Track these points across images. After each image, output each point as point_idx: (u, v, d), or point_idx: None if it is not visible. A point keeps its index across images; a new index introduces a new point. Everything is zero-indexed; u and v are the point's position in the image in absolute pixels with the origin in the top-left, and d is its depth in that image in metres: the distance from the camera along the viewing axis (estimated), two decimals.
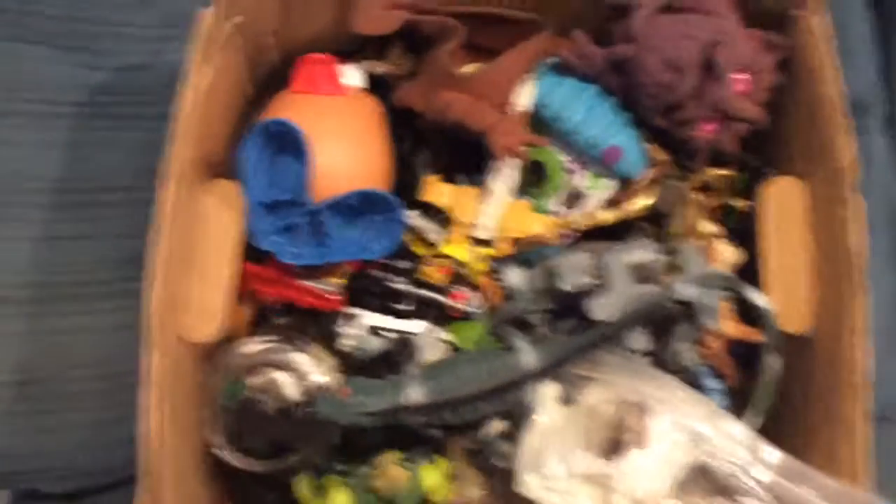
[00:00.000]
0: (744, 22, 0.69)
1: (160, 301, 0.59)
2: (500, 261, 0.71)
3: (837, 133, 0.63)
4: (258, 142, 0.64)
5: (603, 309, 0.62)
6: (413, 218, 0.74)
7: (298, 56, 0.77)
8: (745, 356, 0.71)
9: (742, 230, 0.74)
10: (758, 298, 0.60)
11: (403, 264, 0.71)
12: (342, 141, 0.70)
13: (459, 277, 0.72)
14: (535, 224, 0.72)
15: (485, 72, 0.70)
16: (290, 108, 0.71)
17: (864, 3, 1.01)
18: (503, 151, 0.67)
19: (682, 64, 0.66)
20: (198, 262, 0.65)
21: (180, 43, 0.87)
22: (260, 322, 0.74)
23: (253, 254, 0.69)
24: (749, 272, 0.70)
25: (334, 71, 0.71)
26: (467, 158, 0.78)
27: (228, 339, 0.69)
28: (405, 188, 0.77)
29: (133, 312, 0.81)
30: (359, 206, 0.67)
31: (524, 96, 0.71)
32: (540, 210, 0.74)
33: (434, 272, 0.70)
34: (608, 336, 0.61)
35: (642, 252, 0.66)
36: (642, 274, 0.65)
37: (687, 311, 0.64)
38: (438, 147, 0.78)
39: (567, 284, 0.65)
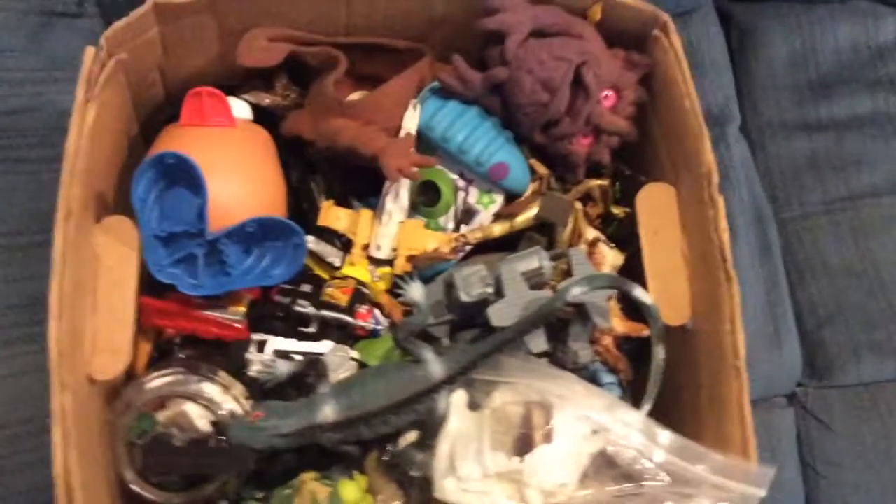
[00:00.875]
0: (606, 43, 0.75)
1: (63, 341, 0.58)
2: (401, 277, 0.73)
3: (698, 141, 0.69)
4: (150, 175, 0.65)
5: (501, 315, 0.66)
6: (312, 243, 0.76)
7: (183, 91, 0.78)
8: (633, 350, 0.76)
9: (622, 234, 0.79)
10: (642, 295, 0.65)
11: (306, 288, 0.73)
12: (234, 171, 0.71)
13: (362, 296, 0.74)
14: (430, 240, 0.75)
15: (371, 98, 0.73)
16: (180, 141, 0.71)
17: (717, 23, 1.10)
18: (395, 173, 0.70)
19: (555, 84, 0.71)
20: (99, 300, 0.65)
21: (67, 84, 0.87)
22: (160, 355, 0.74)
23: (151, 288, 0.69)
24: (631, 272, 0.76)
25: (223, 103, 0.72)
26: (358, 183, 0.81)
27: (131, 375, 0.68)
28: (300, 215, 0.79)
29: (32, 357, 0.79)
30: (257, 233, 0.68)
31: (410, 120, 0.75)
32: (433, 227, 0.78)
33: (337, 293, 0.72)
34: (508, 340, 0.64)
35: (533, 260, 0.69)
36: (535, 280, 0.69)
37: (579, 312, 0.68)
38: (329, 174, 0.80)
39: (466, 295, 0.68)
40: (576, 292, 0.64)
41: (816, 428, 1.00)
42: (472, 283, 0.69)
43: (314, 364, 0.67)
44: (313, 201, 0.79)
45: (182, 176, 0.66)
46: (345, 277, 0.75)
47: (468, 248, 0.75)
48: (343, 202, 0.80)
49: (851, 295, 1.01)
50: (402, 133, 0.74)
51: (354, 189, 0.81)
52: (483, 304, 0.69)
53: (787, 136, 1.09)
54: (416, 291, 0.67)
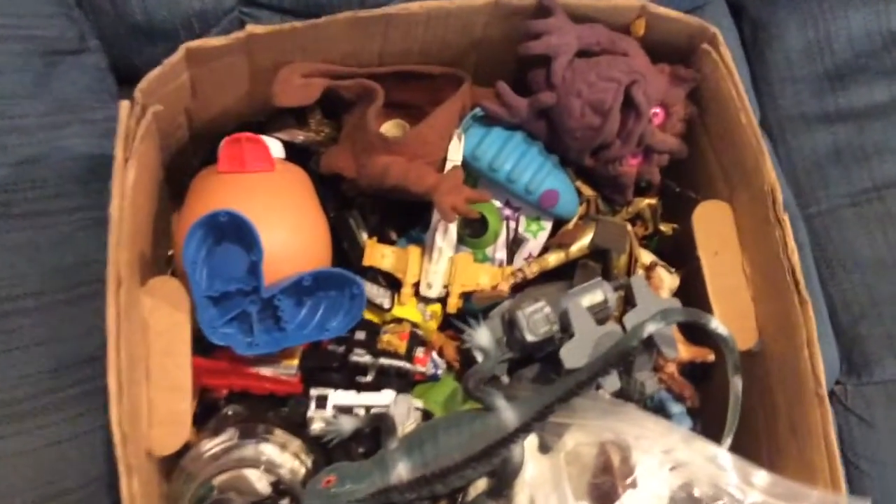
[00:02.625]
0: (650, 58, 0.73)
1: (125, 423, 0.55)
2: (460, 318, 0.70)
3: (757, 157, 0.67)
4: (200, 234, 0.61)
5: (573, 356, 0.64)
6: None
7: (209, 130, 0.74)
8: (692, 373, 0.74)
9: (664, 249, 0.78)
10: (719, 327, 0.63)
11: (360, 335, 0.70)
12: (278, 217, 0.67)
13: (418, 339, 0.71)
14: (483, 275, 0.72)
15: (416, 132, 0.70)
16: (221, 190, 0.68)
17: (728, 17, 1.08)
18: (450, 212, 0.67)
19: (605, 106, 0.68)
20: (153, 369, 0.61)
21: (78, 126, 0.83)
22: (205, 411, 0.71)
23: (197, 344, 0.66)
24: (686, 293, 0.74)
25: (262, 147, 0.68)
26: (397, 215, 0.78)
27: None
28: (341, 254, 0.76)
29: (69, 425, 0.75)
30: (311, 285, 0.65)
31: (456, 151, 0.72)
32: (482, 259, 0.75)
33: (395, 340, 0.69)
34: (584, 383, 0.62)
35: (597, 293, 0.67)
36: (601, 314, 0.67)
37: (645, 341, 0.66)
38: (368, 208, 0.77)
39: (531, 335, 0.66)
40: (651, 329, 0.62)
41: (858, 425, 0.99)
42: (536, 322, 0.66)
43: (380, 419, 0.64)
44: (354, 238, 0.76)
45: (231, 231, 0.62)
46: (398, 320, 0.72)
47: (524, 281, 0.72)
48: (383, 237, 0.77)
49: (884, 288, 1.00)
50: (449, 165, 0.71)
51: (394, 222, 0.78)
52: (547, 341, 0.67)
53: (808, 129, 1.07)
54: (482, 337, 0.65)
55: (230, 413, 0.70)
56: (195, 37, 0.89)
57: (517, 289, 0.73)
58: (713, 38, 0.70)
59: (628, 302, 0.70)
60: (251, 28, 0.64)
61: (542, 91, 0.70)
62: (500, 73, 0.74)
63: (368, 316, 0.73)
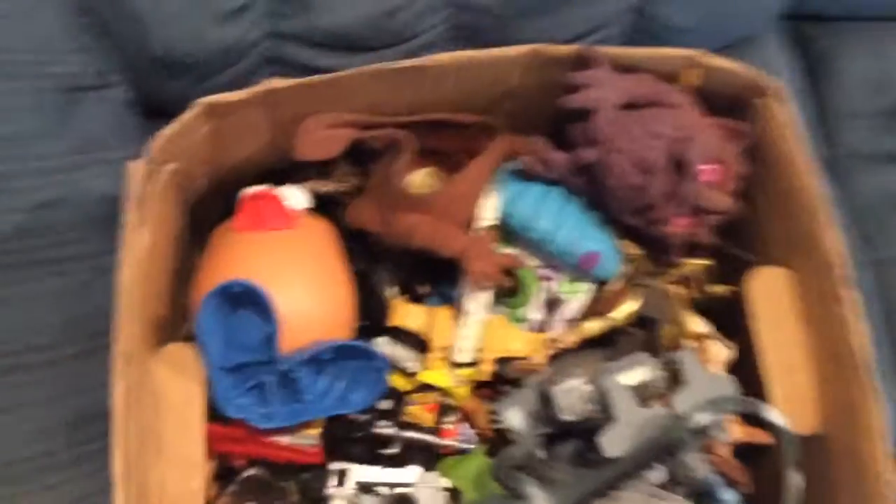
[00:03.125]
0: (702, 111, 0.67)
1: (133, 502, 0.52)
2: (490, 384, 0.66)
3: (821, 226, 0.61)
4: (213, 304, 0.58)
5: (614, 444, 0.59)
6: (383, 346, 0.69)
7: (229, 179, 0.71)
8: (747, 453, 0.69)
9: (720, 317, 0.72)
10: (777, 418, 0.58)
11: (385, 404, 0.65)
12: (299, 278, 0.64)
13: (447, 410, 0.67)
14: (517, 341, 0.68)
15: (446, 190, 0.66)
16: (238, 250, 0.64)
17: (783, 49, 1.02)
18: (481, 278, 0.62)
19: (651, 165, 0.63)
20: (165, 444, 0.58)
21: (100, 166, 0.80)
22: (222, 472, 0.67)
23: (214, 411, 0.62)
24: (738, 366, 0.68)
25: (280, 204, 0.64)
26: (427, 270, 0.74)
27: None
28: (366, 311, 0.71)
29: (85, 482, 0.73)
30: (332, 357, 0.61)
31: (489, 209, 0.67)
32: (517, 320, 0.70)
33: (420, 412, 0.65)
34: (625, 475, 0.57)
35: (641, 370, 0.62)
36: (643, 393, 0.62)
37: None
38: (396, 262, 0.73)
39: (568, 415, 0.61)
40: (701, 420, 0.57)
41: None
42: (573, 401, 0.61)
43: (403, 501, 0.60)
44: (380, 294, 0.72)
45: (246, 299, 0.59)
46: (426, 388, 0.67)
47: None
48: (412, 292, 0.73)
49: None
50: (480, 224, 0.67)
51: (425, 274, 0.74)
52: (585, 421, 0.62)
53: (874, 168, 1.00)
54: (514, 418, 0.60)
55: (251, 474, 0.67)
56: (219, 72, 0.87)
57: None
58: (771, 92, 0.64)
59: (676, 379, 0.65)
60: (271, 83, 0.61)
61: (582, 146, 0.65)
62: (538, 120, 0.70)
63: (395, 380, 0.69)
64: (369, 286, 0.72)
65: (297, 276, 0.63)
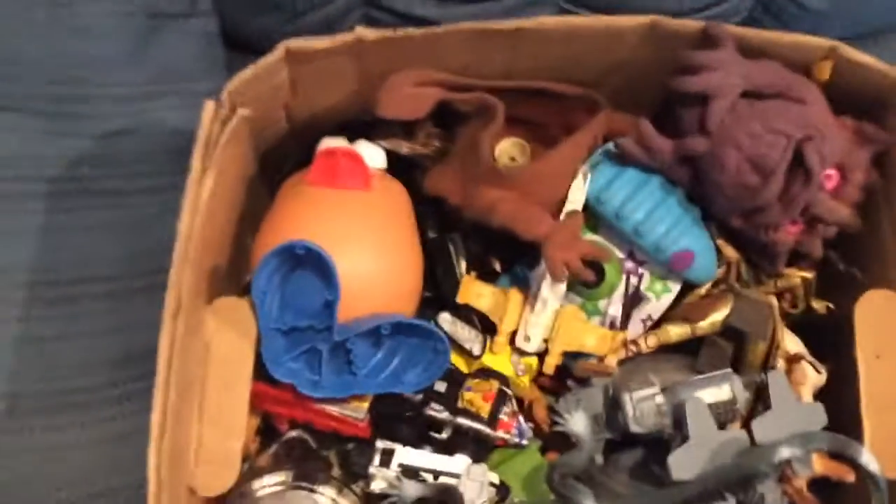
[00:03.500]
0: (832, 109, 0.60)
1: (164, 466, 0.49)
2: (561, 400, 0.61)
3: None
4: (273, 264, 0.54)
5: (684, 466, 0.53)
6: (447, 323, 0.65)
7: (310, 126, 0.67)
8: (824, 486, 0.63)
9: (816, 336, 0.65)
10: (869, 463, 0.52)
11: (440, 386, 0.62)
12: (367, 243, 0.60)
13: (505, 399, 0.62)
14: (589, 337, 0.62)
15: (535, 167, 0.61)
16: (308, 204, 0.61)
17: None
18: (560, 268, 0.57)
19: (768, 165, 0.57)
20: (207, 402, 0.55)
21: (176, 98, 0.77)
22: (268, 432, 0.65)
23: (264, 369, 0.59)
24: (831, 395, 0.62)
25: (360, 165, 0.60)
26: (504, 246, 0.69)
27: None
28: (434, 282, 0.67)
29: (128, 420, 0.71)
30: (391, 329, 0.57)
31: (578, 191, 0.61)
32: (592, 312, 0.65)
33: (478, 399, 0.61)
34: (690, 499, 0.52)
35: (722, 388, 0.57)
36: (722, 415, 0.56)
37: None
38: (472, 235, 0.68)
39: (638, 426, 0.56)
40: (785, 455, 0.51)
41: None
42: (645, 411, 0.56)
43: (448, 493, 0.56)
44: (450, 266, 0.67)
45: (309, 261, 0.55)
46: (485, 373, 0.63)
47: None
48: (484, 268, 0.69)
49: None
50: (568, 207, 0.61)
51: (500, 251, 0.69)
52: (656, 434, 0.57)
53: None
54: (578, 424, 0.55)
55: (294, 437, 0.64)
56: (310, 11, 0.83)
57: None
58: None
59: (760, 399, 0.59)
60: (360, 31, 0.56)
61: (692, 135, 0.59)
62: (645, 99, 0.64)
63: (455, 360, 0.65)
64: (441, 256, 0.68)
65: (365, 241, 0.59)
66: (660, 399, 0.57)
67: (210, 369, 0.56)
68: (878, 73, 0.58)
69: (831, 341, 0.63)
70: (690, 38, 0.58)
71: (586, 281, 0.64)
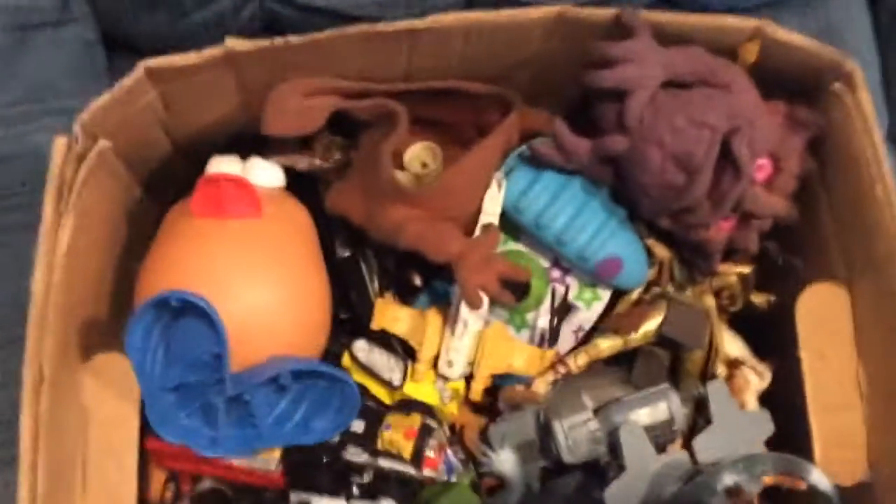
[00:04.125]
0: (762, 93, 0.55)
1: None
2: (491, 428, 0.56)
3: (893, 244, 0.50)
4: (148, 318, 0.48)
5: (622, 497, 0.49)
6: (362, 352, 0.59)
7: (197, 142, 0.60)
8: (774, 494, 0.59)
9: (757, 331, 0.61)
10: (819, 481, 0.48)
11: (358, 426, 0.56)
12: (262, 279, 0.53)
13: (430, 432, 0.57)
14: (517, 357, 0.57)
15: (443, 181, 0.55)
16: (192, 237, 0.54)
17: (862, 4, 0.88)
18: (475, 294, 0.52)
19: (693, 162, 0.52)
20: (90, 473, 0.49)
21: (42, 120, 0.69)
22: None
23: None
24: (775, 395, 0.58)
25: (247, 190, 0.54)
26: (422, 262, 0.63)
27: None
28: (347, 306, 0.62)
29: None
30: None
31: (493, 202, 0.56)
32: (520, 326, 0.60)
33: (398, 438, 0.56)
34: None
35: (660, 408, 0.52)
36: (661, 436, 0.52)
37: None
38: (385, 252, 0.62)
39: (571, 456, 0.52)
40: (729, 483, 0.47)
41: None
42: (578, 439, 0.52)
43: None
44: (364, 288, 0.62)
45: (192, 309, 0.49)
46: (407, 405, 0.58)
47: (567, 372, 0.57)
48: (402, 285, 0.63)
49: None
50: (483, 220, 0.56)
51: (419, 267, 0.64)
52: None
53: None
54: (506, 463, 0.51)
55: (208, 489, 0.59)
56: (200, 7, 0.76)
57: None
58: (849, 76, 0.52)
59: (701, 412, 0.55)
60: (231, 44, 0.49)
61: (611, 133, 0.54)
62: (562, 94, 0.58)
63: (376, 390, 0.59)
64: (353, 278, 0.62)
65: (258, 275, 0.53)
66: (593, 425, 0.52)
67: (91, 437, 0.50)
68: (808, 53, 0.53)
69: (776, 336, 0.59)
70: (602, 28, 0.52)
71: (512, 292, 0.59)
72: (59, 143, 0.47)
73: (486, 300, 0.56)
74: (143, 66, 0.48)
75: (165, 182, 0.62)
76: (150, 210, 0.62)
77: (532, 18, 0.51)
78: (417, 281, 0.64)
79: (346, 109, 0.56)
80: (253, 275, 0.53)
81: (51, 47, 0.70)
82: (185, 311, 0.49)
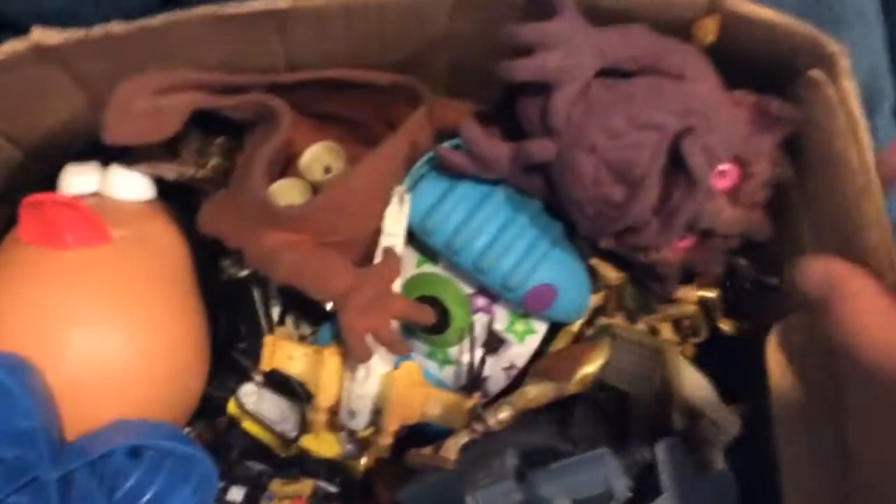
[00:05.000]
0: (725, 80, 0.44)
1: None
2: (402, 495, 0.46)
3: (883, 265, 0.40)
4: None
5: None
6: (251, 397, 0.50)
7: (50, 147, 0.50)
8: None
9: (729, 364, 0.51)
10: None
11: (237, 495, 0.47)
12: (110, 320, 0.44)
13: (322, 494, 0.48)
14: (433, 405, 0.48)
15: (327, 199, 0.44)
16: (20, 271, 0.44)
17: None
18: (359, 340, 0.42)
19: (635, 173, 0.41)
20: None
21: None
22: None
23: None
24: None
25: (81, 213, 0.44)
26: None
27: None
28: (234, 338, 0.52)
29: None
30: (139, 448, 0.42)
31: (395, 221, 0.46)
32: (443, 362, 0.50)
33: None
34: None
35: (596, 477, 0.42)
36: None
37: None
38: None
39: None
40: None
41: None
42: None
43: None
44: (254, 318, 0.52)
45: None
46: (300, 466, 0.48)
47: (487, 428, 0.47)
48: (308, 316, 0.53)
49: None
50: (383, 243, 0.46)
51: None
52: None
53: None
54: None
55: None
56: None
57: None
58: (830, 59, 0.41)
59: (647, 478, 0.45)
60: (38, 35, 0.39)
61: (535, 136, 0.43)
62: (486, 80, 0.48)
63: (270, 441, 0.50)
64: (242, 306, 0.53)
65: (102, 318, 0.43)
66: (516, 497, 0.43)
67: None
68: (780, 31, 0.42)
69: (750, 370, 0.49)
70: (517, 4, 0.41)
71: (428, 326, 0.49)
72: None
73: (369, 358, 0.46)
74: None
75: (25, 192, 0.52)
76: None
77: None
78: (327, 306, 0.55)
79: (211, 108, 0.46)
80: (94, 317, 0.43)
81: None
82: None
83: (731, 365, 0.51)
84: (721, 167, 0.44)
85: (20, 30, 0.41)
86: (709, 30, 0.43)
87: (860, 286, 0.38)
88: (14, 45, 0.39)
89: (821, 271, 0.39)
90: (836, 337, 0.37)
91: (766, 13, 0.41)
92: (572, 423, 0.47)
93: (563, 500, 0.42)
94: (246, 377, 0.51)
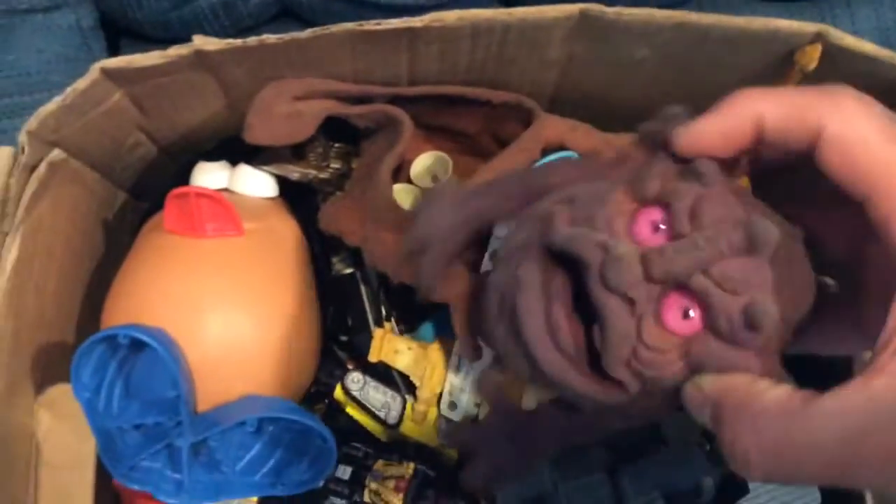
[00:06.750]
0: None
1: None
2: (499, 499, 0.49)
3: None
4: (97, 354, 0.42)
5: None
6: (356, 384, 0.53)
7: (184, 145, 0.55)
8: None
9: None
10: None
11: (343, 473, 0.50)
12: (241, 304, 0.47)
13: (427, 482, 0.51)
14: (528, 396, 0.51)
15: None
16: (162, 257, 0.48)
17: None
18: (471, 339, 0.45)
19: None
20: None
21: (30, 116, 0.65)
22: None
23: None
24: None
25: (222, 206, 0.48)
26: None
27: None
28: (342, 328, 0.56)
29: None
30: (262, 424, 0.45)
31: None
32: None
33: (386, 491, 0.50)
34: None
35: (684, 475, 0.45)
36: None
37: None
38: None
39: None
40: None
41: None
42: None
43: None
44: (362, 313, 0.56)
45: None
46: (401, 449, 0.52)
47: None
48: (408, 314, 0.57)
49: None
50: (491, 247, 0.49)
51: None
52: None
53: None
54: None
55: None
56: None
57: None
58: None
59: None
60: (199, 42, 0.43)
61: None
62: (582, 96, 0.51)
63: (371, 426, 0.54)
64: (351, 300, 0.56)
65: (239, 299, 0.47)
66: (607, 490, 0.45)
67: (43, 480, 0.45)
68: (879, 64, 0.44)
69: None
70: (632, 30, 0.45)
71: None
72: (2, 154, 0.41)
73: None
74: (98, 66, 0.42)
75: (157, 186, 0.57)
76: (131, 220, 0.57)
77: (549, 18, 0.44)
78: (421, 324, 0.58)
79: (343, 115, 0.50)
80: (228, 300, 0.47)
81: (40, 34, 0.65)
82: (143, 344, 0.43)
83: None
84: None
85: (137, 35, 0.45)
86: (812, 57, 0.45)
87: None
88: (178, 50, 0.43)
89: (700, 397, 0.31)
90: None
91: (869, 46, 0.44)
92: (663, 422, 0.50)
93: (654, 493, 0.44)
94: (343, 368, 0.54)
